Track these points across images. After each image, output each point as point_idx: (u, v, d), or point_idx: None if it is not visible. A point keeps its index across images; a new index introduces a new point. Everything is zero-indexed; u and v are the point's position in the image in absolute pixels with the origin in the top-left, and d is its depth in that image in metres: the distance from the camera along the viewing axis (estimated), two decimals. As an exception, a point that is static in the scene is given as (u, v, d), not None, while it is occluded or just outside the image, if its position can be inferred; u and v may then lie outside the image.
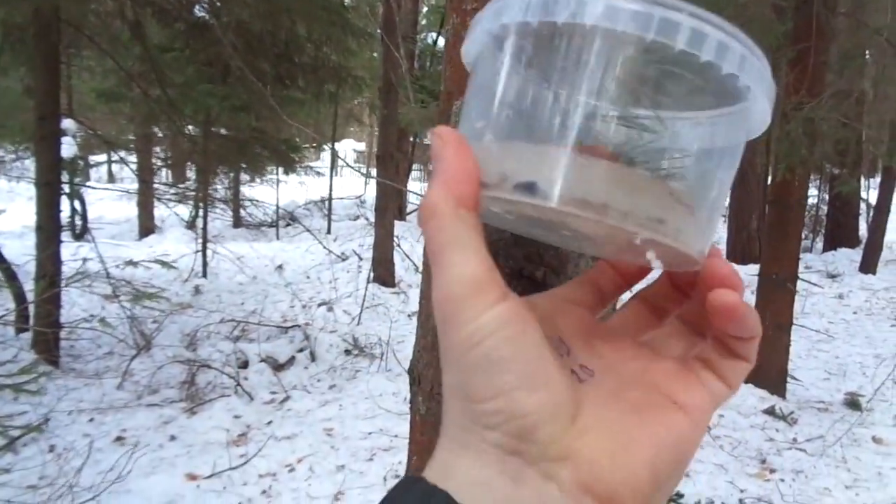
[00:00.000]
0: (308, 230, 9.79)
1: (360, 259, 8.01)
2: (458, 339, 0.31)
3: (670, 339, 0.40)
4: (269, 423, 3.99)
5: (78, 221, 8.75)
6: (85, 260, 4.77)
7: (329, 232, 10.67)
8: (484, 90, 0.36)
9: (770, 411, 4.36)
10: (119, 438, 3.71)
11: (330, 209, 11.45)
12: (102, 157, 13.11)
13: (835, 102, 4.07)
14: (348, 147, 25.86)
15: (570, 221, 0.34)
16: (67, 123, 6.85)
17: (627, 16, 0.30)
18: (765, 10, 4.52)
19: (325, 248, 8.55)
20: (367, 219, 11.24)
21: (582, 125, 0.33)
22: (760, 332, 0.37)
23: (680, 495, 3.45)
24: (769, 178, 7.24)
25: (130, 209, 10.87)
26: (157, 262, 4.57)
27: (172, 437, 3.74)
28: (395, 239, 7.25)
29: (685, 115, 0.36)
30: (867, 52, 7.48)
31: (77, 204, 8.73)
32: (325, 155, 18.76)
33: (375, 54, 10.86)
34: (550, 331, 0.36)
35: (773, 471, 3.66)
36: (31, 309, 4.74)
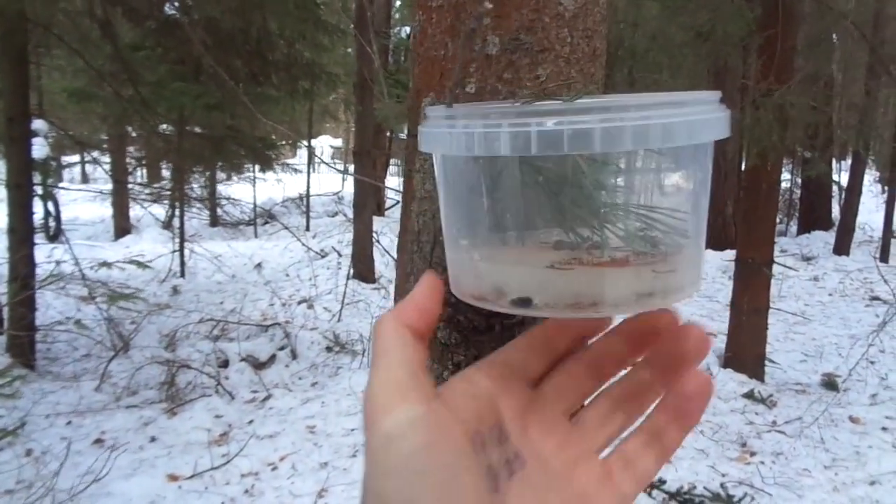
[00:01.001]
0: (286, 228, 9.73)
1: (340, 255, 7.98)
2: (375, 439, 0.32)
3: (604, 419, 0.40)
4: (251, 422, 3.97)
5: (51, 223, 8.61)
6: (58, 262, 4.71)
7: (308, 229, 10.61)
8: (461, 205, 0.39)
9: (749, 395, 4.42)
10: (98, 441, 3.67)
11: (308, 206, 11.38)
12: (75, 158, 12.90)
13: (804, 87, 4.12)
14: (325, 143, 25.70)
15: None
16: (38, 124, 6.72)
17: (587, 137, 0.32)
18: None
19: (303, 245, 8.50)
20: (345, 215, 11.20)
21: (555, 244, 0.38)
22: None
23: (662, 481, 3.49)
24: (742, 164, 7.33)
25: (105, 210, 10.72)
26: (131, 262, 4.51)
27: (153, 439, 3.71)
28: (374, 234, 7.23)
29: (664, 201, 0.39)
30: (834, 36, 7.59)
31: (50, 205, 8.58)
32: (302, 152, 18.62)
33: (350, 50, 10.79)
34: (489, 416, 0.36)
35: (753, 454, 3.71)
36: (5, 312, 4.66)
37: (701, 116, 0.34)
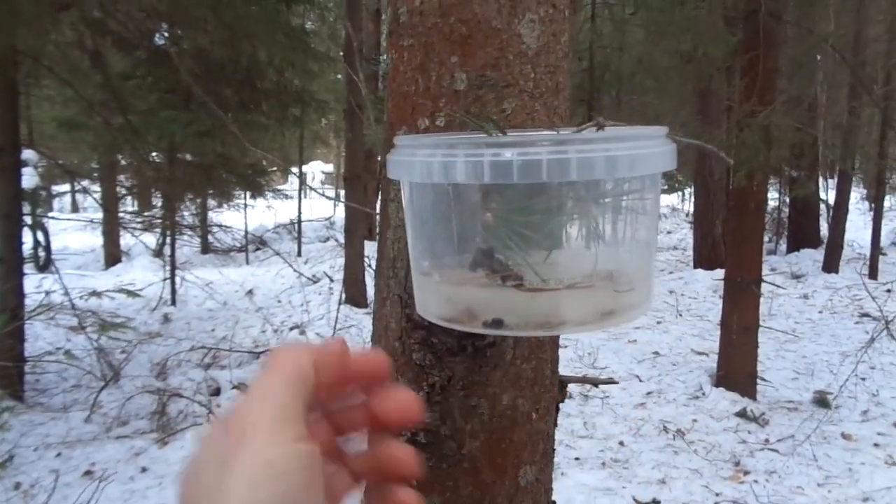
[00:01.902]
0: (278, 254, 9.73)
1: (332, 281, 7.98)
2: (250, 459, 0.31)
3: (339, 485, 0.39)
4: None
5: (41, 253, 8.59)
6: (48, 292, 4.69)
7: (299, 254, 10.62)
8: (426, 230, 0.41)
9: (742, 414, 4.43)
10: (88, 472, 3.63)
11: (300, 232, 11.40)
12: (65, 187, 12.89)
13: (788, 108, 4.20)
14: (316, 169, 25.78)
15: None
16: (28, 154, 6.74)
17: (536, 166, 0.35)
18: (717, 20, 4.66)
19: (295, 270, 8.50)
20: (337, 240, 11.21)
21: (517, 271, 0.40)
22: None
23: (657, 502, 3.49)
24: (730, 184, 7.40)
25: (95, 239, 10.70)
26: (121, 290, 4.51)
27: (143, 469, 3.68)
28: (366, 259, 7.25)
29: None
30: (818, 58, 7.73)
31: (40, 235, 8.57)
32: (294, 177, 18.67)
33: (339, 76, 10.89)
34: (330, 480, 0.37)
35: (746, 472, 3.72)
36: (-6, 344, 4.63)
37: (645, 150, 0.36)
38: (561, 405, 0.64)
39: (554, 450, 0.61)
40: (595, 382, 0.68)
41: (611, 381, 0.80)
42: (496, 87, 0.51)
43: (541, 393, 0.56)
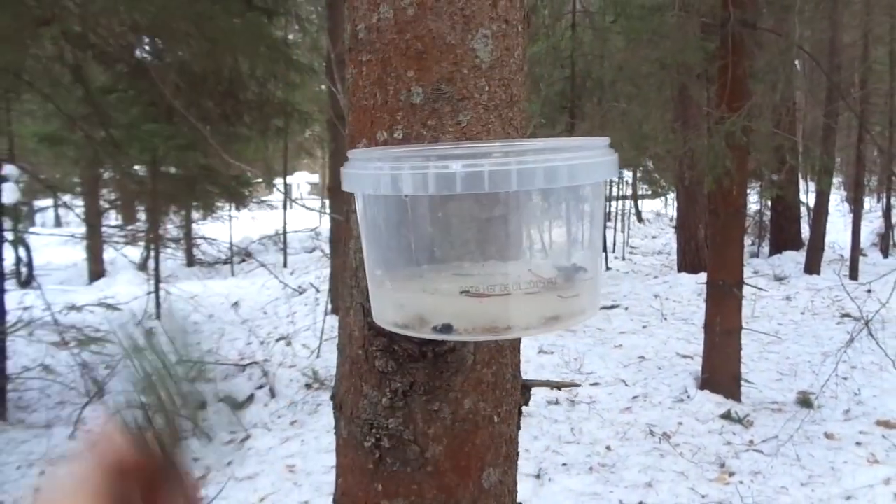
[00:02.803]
0: (263, 265, 9.69)
1: (318, 291, 7.96)
2: None
3: None
4: (230, 463, 3.92)
5: (23, 268, 8.51)
6: (28, 308, 4.65)
7: (285, 265, 10.58)
8: (378, 239, 0.43)
9: (726, 415, 4.46)
10: (73, 490, 3.59)
11: (285, 243, 11.37)
12: (48, 202, 12.79)
13: (760, 113, 4.26)
14: (302, 179, 25.73)
15: None
16: (9, 169, 6.69)
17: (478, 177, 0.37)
18: (693, 29, 4.72)
19: (281, 282, 8.47)
20: (322, 251, 11.19)
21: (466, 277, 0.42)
22: None
23: (643, 505, 3.51)
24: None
25: (78, 254, 10.61)
26: (101, 305, 4.48)
27: (129, 485, 3.65)
28: (352, 268, 7.23)
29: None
30: (796, 63, 7.83)
31: (22, 250, 8.49)
32: (278, 188, 18.60)
33: (323, 87, 10.90)
34: None
35: (731, 474, 3.74)
36: (-24, 362, 4.59)
37: (584, 161, 0.38)
38: (527, 408, 0.65)
39: (517, 452, 0.62)
40: (559, 385, 0.69)
41: (574, 385, 0.81)
42: (452, 100, 0.53)
43: (502, 396, 0.58)
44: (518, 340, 0.60)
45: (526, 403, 0.62)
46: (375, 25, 0.54)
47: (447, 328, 0.40)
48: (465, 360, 0.54)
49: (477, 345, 0.55)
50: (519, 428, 0.60)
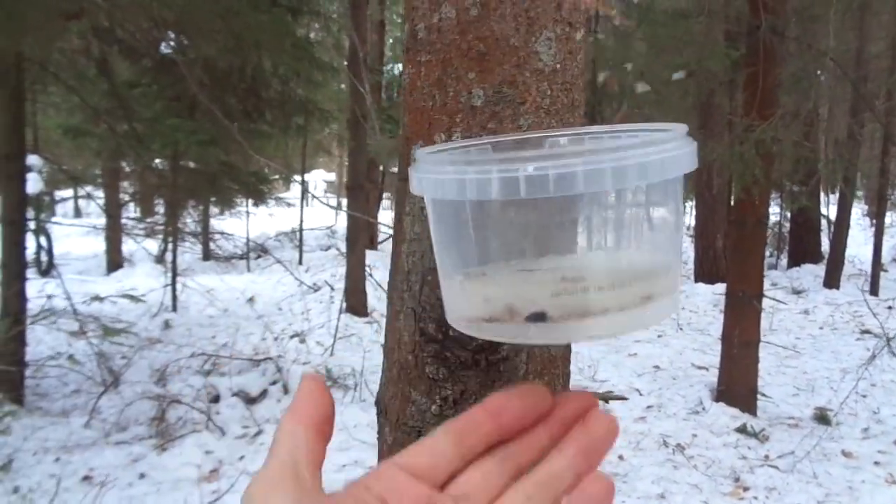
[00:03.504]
0: (279, 261, 9.73)
1: (332, 289, 7.98)
2: None
3: None
4: (242, 458, 3.93)
5: (44, 258, 8.60)
6: (50, 297, 4.69)
7: (301, 263, 10.62)
8: (445, 242, 0.43)
9: (742, 429, 4.42)
10: (86, 478, 3.62)
11: (301, 240, 11.41)
12: (69, 193, 12.93)
13: (788, 123, 4.22)
14: (319, 177, 25.84)
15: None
16: (33, 159, 6.77)
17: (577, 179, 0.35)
18: (717, 36, 4.68)
19: (296, 279, 8.50)
20: (338, 249, 11.21)
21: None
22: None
23: (656, 516, 3.47)
24: (731, 198, 7.41)
25: (98, 244, 10.71)
26: (124, 296, 4.51)
27: (142, 475, 3.67)
28: (367, 268, 7.25)
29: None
30: (820, 73, 7.75)
31: (43, 240, 8.59)
32: (296, 185, 18.71)
33: (343, 86, 10.94)
34: None
35: (746, 489, 3.70)
36: (-4, 349, 4.63)
37: (672, 153, 0.37)
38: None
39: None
40: (605, 398, 0.68)
41: (621, 398, 0.80)
42: (513, 104, 0.52)
43: (552, 408, 0.57)
44: (569, 352, 0.59)
45: (573, 415, 0.61)
46: (436, 25, 0.53)
47: (540, 315, 0.38)
48: (517, 369, 0.53)
49: (530, 354, 0.54)
50: None
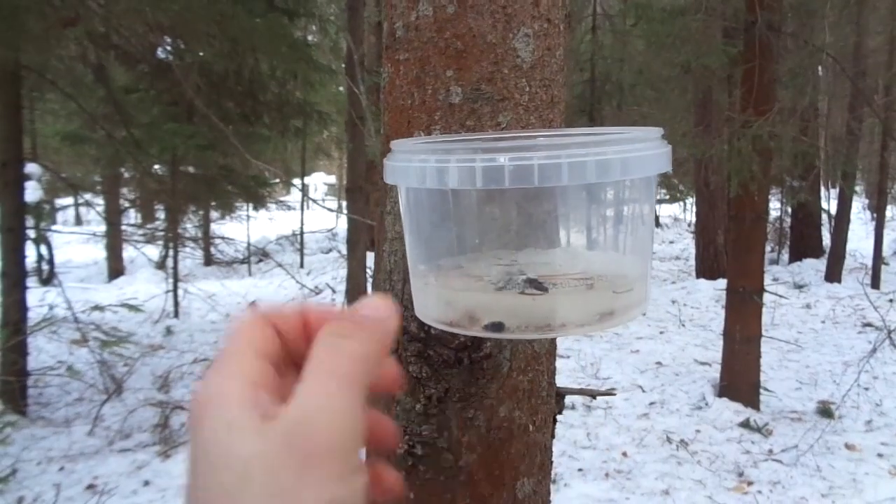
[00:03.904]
0: (280, 265, 9.73)
1: (334, 292, 7.98)
2: (222, 454, 0.29)
3: None
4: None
5: (44, 266, 8.61)
6: (51, 306, 4.69)
7: (302, 266, 10.62)
8: (418, 235, 0.42)
9: (745, 424, 4.41)
10: (90, 486, 3.62)
11: (302, 243, 11.41)
12: (69, 200, 12.95)
13: (784, 118, 4.21)
14: (319, 180, 25.84)
15: None
16: (32, 168, 6.78)
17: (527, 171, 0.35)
18: (715, 32, 4.68)
19: (297, 282, 8.50)
20: (339, 251, 11.22)
21: (516, 272, 0.41)
22: None
23: (660, 513, 3.47)
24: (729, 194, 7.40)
25: (98, 252, 10.72)
26: (123, 305, 4.51)
27: (146, 483, 3.67)
28: (368, 270, 7.24)
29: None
30: (819, 68, 7.74)
31: (43, 248, 8.60)
32: (296, 189, 18.72)
33: (341, 88, 10.94)
34: None
35: (750, 483, 3.69)
36: (-3, 358, 4.64)
37: (638, 154, 0.37)
38: (559, 417, 0.64)
39: (552, 462, 0.61)
40: (593, 394, 0.68)
41: (609, 393, 0.80)
42: (491, 101, 0.52)
43: (538, 405, 0.57)
44: (554, 347, 0.59)
45: (560, 412, 0.61)
46: (414, 24, 0.52)
47: (498, 326, 0.38)
48: (500, 366, 0.53)
49: (513, 351, 0.54)
50: (553, 437, 0.59)
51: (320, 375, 0.31)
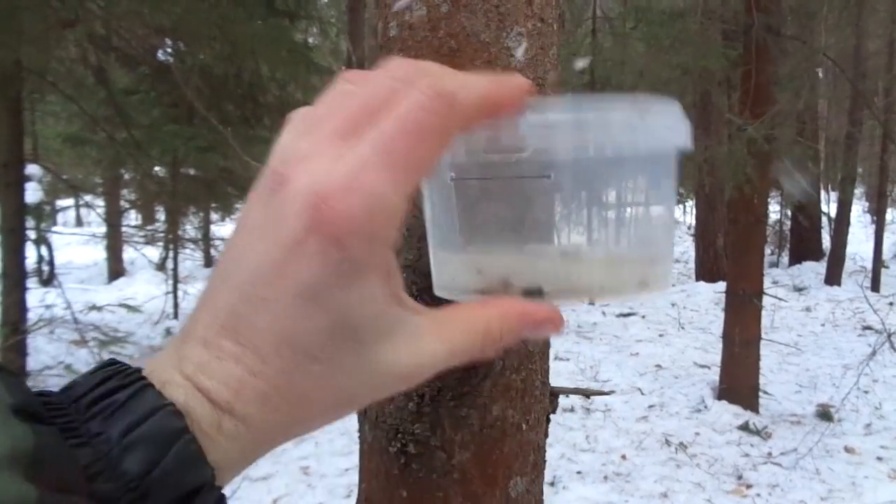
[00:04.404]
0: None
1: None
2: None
3: None
4: (244, 464, 3.93)
5: (45, 267, 8.62)
6: (49, 307, 4.70)
7: (302, 267, 10.61)
8: (433, 223, 0.41)
9: (744, 427, 4.41)
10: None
11: (302, 245, 11.41)
12: (69, 202, 12.96)
13: (780, 121, 4.21)
14: (319, 182, 25.84)
15: None
16: (32, 169, 6.78)
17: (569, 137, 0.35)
18: (715, 35, 4.68)
19: (297, 284, 8.49)
20: (339, 253, 11.20)
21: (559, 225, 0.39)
22: None
23: (659, 516, 3.47)
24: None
25: (99, 253, 10.73)
26: (122, 305, 4.52)
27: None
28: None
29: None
30: (820, 71, 7.74)
31: (44, 249, 8.60)
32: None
33: (342, 90, 10.94)
34: None
35: (749, 486, 3.69)
36: (-3, 358, 4.64)
37: (645, 133, 0.36)
38: (553, 416, 0.64)
39: (545, 461, 0.61)
40: (587, 393, 0.68)
41: (604, 393, 0.80)
42: (485, 100, 0.52)
43: (531, 404, 0.57)
44: (547, 347, 0.59)
45: (553, 411, 0.61)
46: (408, 23, 0.53)
47: (536, 291, 0.37)
48: (494, 365, 0.53)
49: (506, 350, 0.54)
50: (546, 436, 0.59)
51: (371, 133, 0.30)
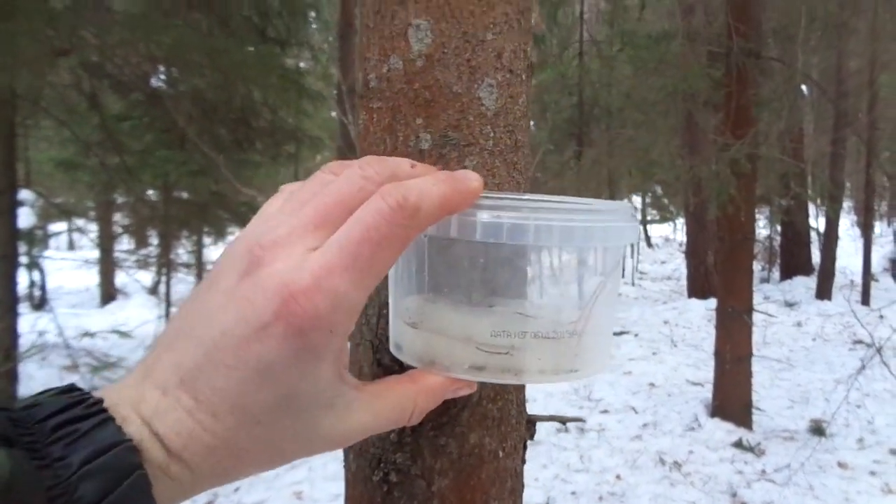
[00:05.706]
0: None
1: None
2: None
3: None
4: (237, 489, 3.92)
5: (37, 292, 8.58)
6: (41, 333, 4.69)
7: (295, 289, 10.60)
8: (406, 274, 0.45)
9: (738, 444, 4.43)
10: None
11: (295, 267, 11.40)
12: (62, 226, 12.93)
13: (764, 141, 4.29)
14: (312, 203, 25.83)
15: None
16: (25, 194, 6.79)
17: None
18: (700, 57, 4.77)
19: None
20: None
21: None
22: None
23: (654, 534, 3.47)
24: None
25: (91, 277, 10.70)
26: (114, 332, 4.51)
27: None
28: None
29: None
30: (805, 90, 7.86)
31: (36, 275, 8.58)
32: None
33: (333, 114, 11.02)
34: None
35: (743, 503, 3.71)
36: (-13, 386, 4.61)
37: (616, 224, 0.41)
38: (529, 442, 0.67)
39: (523, 486, 0.64)
40: (563, 420, 0.71)
41: (578, 419, 0.83)
42: (458, 146, 0.56)
43: (507, 432, 0.59)
44: None
45: (531, 438, 0.64)
46: (386, 75, 0.56)
47: (480, 369, 0.43)
48: (471, 395, 0.56)
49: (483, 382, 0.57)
50: (524, 462, 0.62)
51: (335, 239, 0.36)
